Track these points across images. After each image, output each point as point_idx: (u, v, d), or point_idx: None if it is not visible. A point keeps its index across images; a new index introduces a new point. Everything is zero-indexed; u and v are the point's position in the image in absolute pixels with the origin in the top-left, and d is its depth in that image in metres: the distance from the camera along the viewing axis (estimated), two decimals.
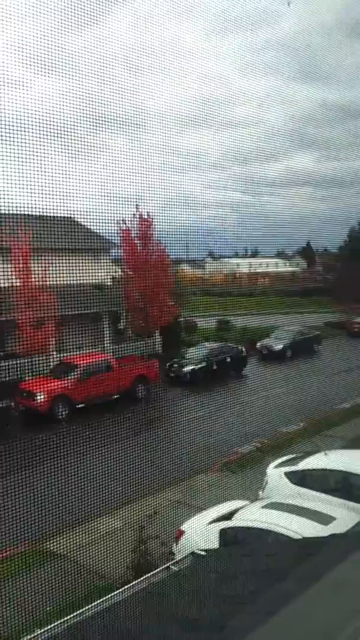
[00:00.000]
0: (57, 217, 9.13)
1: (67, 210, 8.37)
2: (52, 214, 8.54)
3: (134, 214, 15.43)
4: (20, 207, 7.87)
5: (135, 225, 15.87)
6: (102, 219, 9.61)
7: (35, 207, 7.92)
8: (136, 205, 14.40)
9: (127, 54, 8.33)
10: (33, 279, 13.18)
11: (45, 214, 8.48)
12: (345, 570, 3.42)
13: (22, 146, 7.21)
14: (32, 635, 5.60)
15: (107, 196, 9.02)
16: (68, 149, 7.90)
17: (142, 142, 9.54)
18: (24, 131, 7.14)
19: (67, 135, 7.77)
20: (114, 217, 10.40)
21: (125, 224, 15.49)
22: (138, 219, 15.77)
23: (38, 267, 13.16)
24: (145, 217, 15.73)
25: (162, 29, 9.59)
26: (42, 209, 8.03)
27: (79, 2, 6.93)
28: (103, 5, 7.25)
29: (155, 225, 15.85)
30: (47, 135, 7.42)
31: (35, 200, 7.65)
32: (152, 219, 15.78)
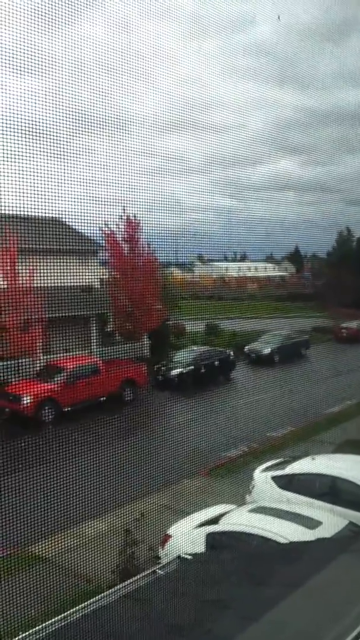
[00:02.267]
0: (42, 218, 9.09)
1: (50, 211, 8.36)
2: (37, 215, 8.51)
3: (120, 217, 15.39)
4: (3, 208, 7.84)
5: (121, 228, 15.84)
6: (85, 221, 9.59)
7: (19, 209, 7.90)
8: (123, 207, 14.37)
9: (105, 56, 8.34)
10: (19, 281, 13.09)
11: (31, 214, 8.45)
12: (329, 574, 3.42)
13: (3, 148, 7.21)
14: (17, 639, 5.54)
15: (91, 198, 9.01)
16: (49, 151, 7.89)
17: (124, 145, 9.53)
18: (4, 133, 7.14)
19: (48, 137, 7.76)
20: (97, 219, 10.38)
21: (110, 226, 15.45)
22: (125, 222, 15.74)
23: (23, 268, 13.06)
24: (132, 219, 15.70)
25: (139, 32, 9.61)
26: (26, 210, 8.01)
27: (52, 5, 6.93)
28: (76, 8, 7.26)
29: (142, 228, 15.84)
30: (28, 137, 7.42)
31: (18, 202, 7.64)
32: (139, 221, 15.76)
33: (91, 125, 8.97)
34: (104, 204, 9.81)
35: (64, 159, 8.24)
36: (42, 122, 7.62)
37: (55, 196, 8.17)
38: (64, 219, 10.63)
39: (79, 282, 13.16)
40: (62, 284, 11.15)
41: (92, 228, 12.08)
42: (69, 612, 5.36)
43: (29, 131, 7.40)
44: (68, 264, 12.17)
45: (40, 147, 7.69)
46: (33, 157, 7.63)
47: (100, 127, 9.18)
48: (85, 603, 5.44)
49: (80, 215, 9.24)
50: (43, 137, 7.68)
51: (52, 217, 9.51)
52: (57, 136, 7.95)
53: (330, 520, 8.53)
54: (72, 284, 11.86)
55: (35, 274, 12.11)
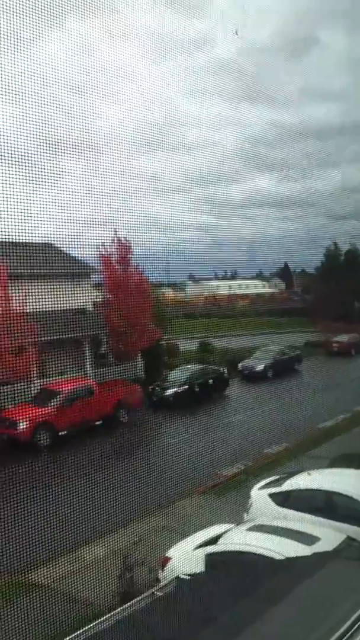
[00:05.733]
0: (30, 242, 9.20)
1: (29, 235, 8.48)
2: (27, 240, 8.63)
3: (110, 238, 15.52)
4: None
5: (112, 249, 15.95)
6: (71, 244, 9.72)
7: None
8: (113, 229, 14.51)
9: (72, 78, 8.52)
10: (12, 306, 13.13)
11: (20, 240, 8.57)
12: (326, 588, 3.46)
13: None
14: None
15: (72, 221, 9.14)
16: (25, 176, 8.03)
17: (96, 165, 9.69)
18: None
19: (20, 161, 7.89)
20: (83, 241, 10.51)
21: (100, 248, 15.55)
22: (115, 243, 15.85)
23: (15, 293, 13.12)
24: (122, 240, 15.82)
25: (101, 53, 9.84)
26: (8, 234, 8.13)
27: (16, 27, 7.08)
28: (38, 30, 7.43)
29: (131, 248, 15.95)
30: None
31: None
32: (129, 242, 15.88)
33: (69, 149, 9.11)
34: (89, 226, 9.93)
35: (40, 182, 8.38)
36: (15, 146, 7.75)
37: (37, 220, 8.28)
38: (53, 243, 10.75)
39: (70, 305, 13.23)
40: (53, 307, 11.23)
41: (81, 250, 12.19)
42: (68, 637, 5.34)
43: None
44: (59, 287, 12.25)
45: (13, 171, 7.82)
46: (7, 182, 7.76)
47: (78, 150, 9.33)
48: (85, 628, 5.42)
49: (68, 238, 9.35)
50: (15, 161, 7.82)
51: (40, 241, 9.63)
52: (30, 159, 8.08)
53: (329, 535, 8.53)
54: (63, 307, 11.94)
55: (26, 298, 12.17)
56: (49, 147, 8.45)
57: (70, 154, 9.23)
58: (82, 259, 13.99)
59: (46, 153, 8.34)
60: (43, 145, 8.27)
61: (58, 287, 12.46)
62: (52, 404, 15.15)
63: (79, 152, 9.37)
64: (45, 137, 8.24)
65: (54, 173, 8.80)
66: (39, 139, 8.11)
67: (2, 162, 7.73)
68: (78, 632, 5.42)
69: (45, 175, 8.46)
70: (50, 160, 8.54)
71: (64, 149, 9.04)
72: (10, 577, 8.80)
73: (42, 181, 8.42)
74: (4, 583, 8.76)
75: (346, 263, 27.05)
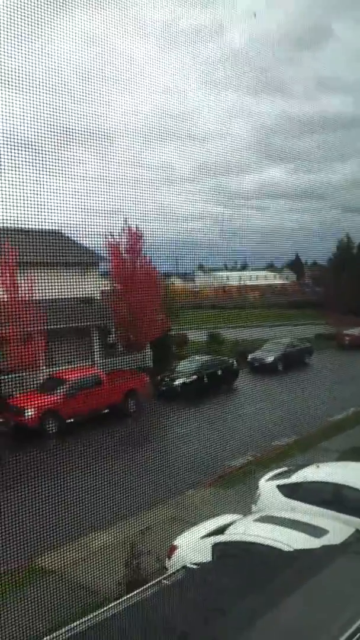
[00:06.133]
0: (40, 230, 9.15)
1: (42, 223, 8.43)
2: (37, 228, 8.58)
3: (121, 227, 15.46)
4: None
5: (122, 239, 15.90)
6: (83, 233, 9.67)
7: (10, 220, 7.98)
8: (124, 218, 14.44)
9: (84, 70, 8.45)
10: (21, 294, 13.11)
11: (29, 227, 8.52)
12: (334, 580, 3.39)
13: None
14: None
15: (84, 210, 9.08)
16: (35, 163, 7.98)
17: (110, 155, 9.61)
18: None
19: (35, 150, 7.84)
20: (94, 230, 10.46)
21: (110, 237, 15.50)
22: (126, 233, 15.80)
23: (24, 281, 13.09)
24: (133, 230, 15.76)
25: (114, 44, 9.74)
26: (17, 221, 8.09)
27: (23, 17, 7.00)
28: (49, 23, 7.35)
29: (142, 238, 15.89)
30: (11, 149, 7.52)
31: (9, 214, 7.72)
32: (140, 232, 15.81)
33: (80, 138, 9.05)
34: (99, 215, 9.88)
35: (53, 171, 8.32)
36: (29, 136, 7.71)
37: (47, 208, 8.24)
38: (62, 231, 10.69)
39: (80, 294, 13.19)
40: (63, 296, 11.18)
41: (90, 239, 12.14)
42: (74, 624, 5.33)
43: (13, 144, 7.48)
44: (68, 275, 12.21)
45: (27, 160, 7.78)
46: (23, 171, 7.72)
47: (88, 140, 9.26)
48: (91, 615, 5.40)
49: (77, 227, 9.30)
50: (28, 150, 7.77)
51: (49, 229, 9.57)
52: (45, 149, 8.03)
53: (336, 528, 8.45)
54: (73, 295, 11.89)
55: (35, 286, 12.15)
56: (58, 135, 8.39)
57: (79, 142, 9.17)
58: (91, 247, 13.94)
59: (55, 141, 8.29)
60: (52, 133, 8.22)
61: (67, 275, 12.41)
62: (60, 392, 15.17)
63: (88, 140, 9.31)
64: (55, 125, 8.18)
65: (62, 161, 8.74)
66: (49, 126, 8.05)
67: (12, 150, 7.69)
68: (84, 619, 5.40)
69: (54, 164, 8.41)
70: (59, 148, 8.48)
71: (74, 138, 8.98)
72: (14, 565, 8.82)
73: (50, 169, 8.38)
74: (9, 570, 8.78)
75: (358, 255, 26.82)
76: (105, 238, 15.21)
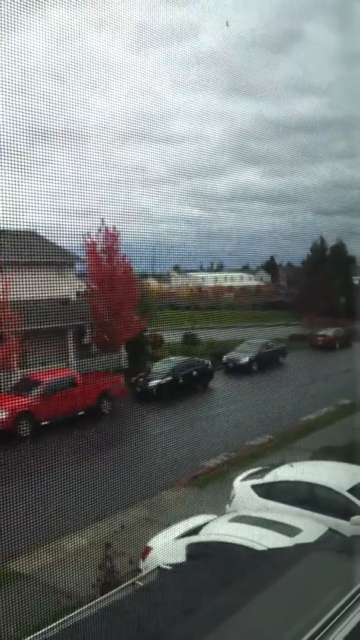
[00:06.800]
0: (14, 231, 9.07)
1: (16, 223, 8.37)
2: (10, 228, 8.50)
3: (99, 228, 15.39)
4: None
5: (98, 239, 15.82)
6: (58, 233, 9.62)
7: None
8: (102, 219, 14.39)
9: (55, 67, 8.40)
10: None
11: (3, 227, 8.43)
12: (304, 579, 3.44)
13: None
14: None
15: (58, 210, 9.04)
16: (9, 164, 7.92)
17: (83, 156, 9.58)
18: None
19: (5, 149, 7.78)
20: (69, 231, 10.41)
21: (87, 237, 15.41)
22: (103, 233, 15.72)
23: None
24: (111, 230, 15.69)
25: (85, 42, 9.71)
26: None
27: None
28: (18, 18, 7.29)
29: (119, 238, 15.84)
30: None
31: None
32: (117, 232, 15.75)
33: (49, 137, 9.00)
34: (74, 216, 9.83)
35: (27, 172, 8.27)
36: (2, 136, 7.64)
37: (21, 209, 8.18)
38: (36, 231, 10.61)
39: (55, 295, 13.08)
40: (38, 297, 11.08)
41: (66, 240, 12.07)
42: (48, 627, 5.29)
43: None
44: (43, 275, 12.10)
45: (0, 161, 7.71)
46: None
47: (58, 139, 9.21)
48: (64, 618, 5.37)
49: (53, 228, 9.25)
50: (2, 150, 7.70)
51: (23, 229, 9.50)
52: (18, 150, 7.98)
53: (310, 527, 8.56)
54: (47, 296, 11.80)
55: (9, 287, 12.02)
56: (32, 135, 8.33)
57: (55, 143, 9.12)
58: (67, 247, 13.85)
59: (29, 142, 8.23)
60: (25, 134, 8.15)
61: (41, 275, 12.29)
62: (33, 394, 15.01)
63: (64, 141, 9.25)
64: (29, 125, 8.12)
65: (38, 161, 8.67)
66: (21, 127, 7.99)
67: None
68: (58, 622, 5.37)
69: (29, 164, 8.35)
70: (34, 148, 8.42)
71: (49, 138, 8.92)
72: None
73: (25, 169, 8.31)
74: None
75: (332, 257, 27.16)
76: (81, 238, 15.13)
